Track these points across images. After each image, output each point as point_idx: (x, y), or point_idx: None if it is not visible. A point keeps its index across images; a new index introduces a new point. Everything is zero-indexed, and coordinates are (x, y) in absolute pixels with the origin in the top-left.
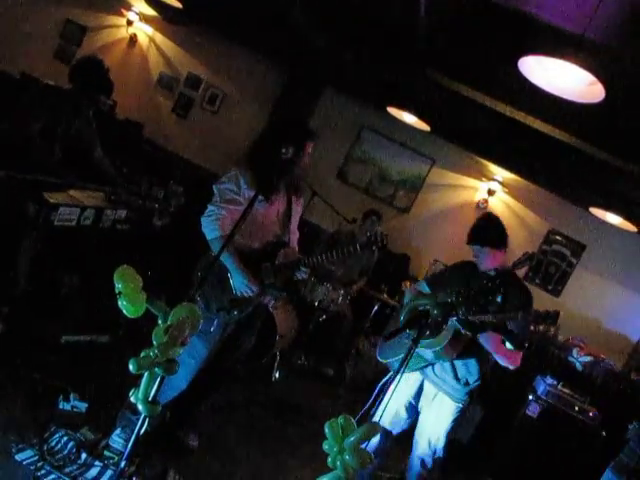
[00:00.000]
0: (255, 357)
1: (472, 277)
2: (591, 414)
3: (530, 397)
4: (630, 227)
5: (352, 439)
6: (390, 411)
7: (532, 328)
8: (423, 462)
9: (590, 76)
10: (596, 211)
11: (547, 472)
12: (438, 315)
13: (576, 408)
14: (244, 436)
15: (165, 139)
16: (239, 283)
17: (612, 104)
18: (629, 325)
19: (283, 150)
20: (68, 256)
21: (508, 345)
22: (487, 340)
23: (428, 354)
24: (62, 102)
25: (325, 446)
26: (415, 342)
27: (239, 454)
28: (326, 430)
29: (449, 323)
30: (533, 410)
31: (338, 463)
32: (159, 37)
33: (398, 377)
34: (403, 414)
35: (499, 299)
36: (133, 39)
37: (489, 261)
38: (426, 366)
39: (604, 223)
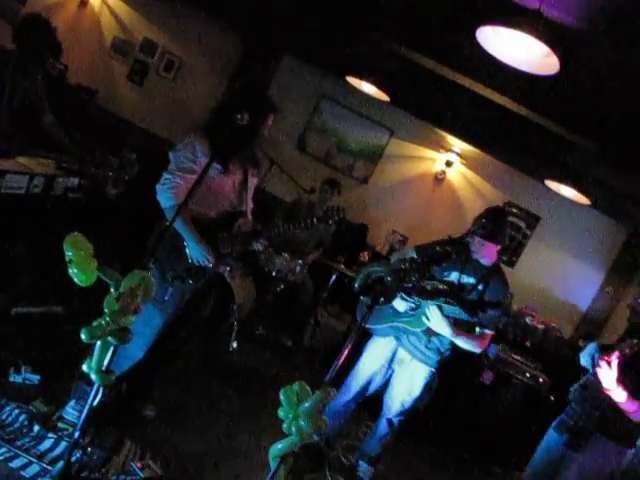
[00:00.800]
0: (212, 327)
1: (466, 261)
2: (541, 380)
3: (484, 364)
4: (583, 200)
5: (307, 405)
6: (363, 375)
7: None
8: (391, 422)
9: (545, 48)
10: (551, 184)
11: (498, 437)
12: (391, 282)
13: (527, 374)
14: (201, 405)
15: (119, 106)
16: (195, 252)
17: (566, 77)
18: (579, 295)
19: (238, 116)
20: (17, 225)
21: (478, 330)
22: (465, 342)
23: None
24: (7, 64)
25: (280, 412)
26: (370, 308)
27: (196, 423)
28: (281, 396)
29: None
30: (487, 377)
31: (293, 429)
32: None
33: (373, 341)
34: (376, 378)
35: (480, 287)
36: (84, 0)
37: (485, 253)
38: (401, 334)
39: (558, 196)
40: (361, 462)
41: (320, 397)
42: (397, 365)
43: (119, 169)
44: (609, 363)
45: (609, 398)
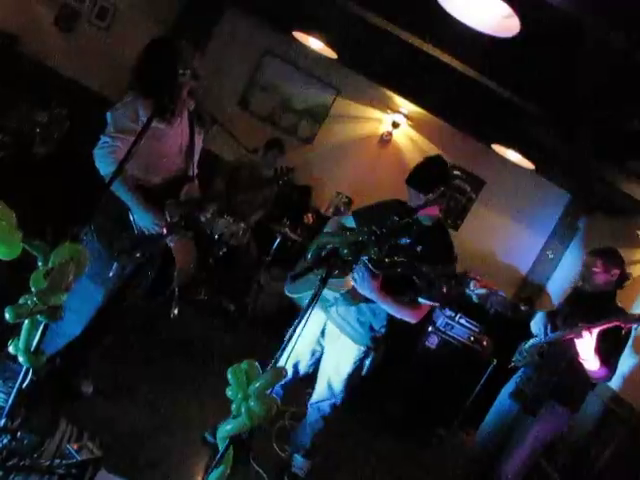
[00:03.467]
0: (153, 293)
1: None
2: (485, 343)
3: (430, 329)
4: (528, 165)
5: (257, 385)
6: (296, 350)
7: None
8: (320, 409)
9: (506, 8)
10: (498, 148)
11: (443, 400)
12: (348, 254)
13: (471, 338)
14: (142, 377)
15: (45, 55)
16: (144, 221)
17: (524, 41)
18: (520, 259)
19: (181, 71)
20: None
21: (422, 299)
22: (395, 309)
23: (330, 295)
24: None
25: (229, 392)
26: (323, 282)
27: (137, 396)
28: (229, 376)
29: (360, 267)
30: (432, 341)
31: (243, 410)
32: None
33: (305, 317)
34: (305, 357)
35: (418, 249)
36: None
37: (426, 212)
38: (330, 305)
39: (504, 160)
40: (296, 455)
41: (271, 377)
42: (326, 341)
43: (48, 125)
44: (590, 334)
45: (568, 366)
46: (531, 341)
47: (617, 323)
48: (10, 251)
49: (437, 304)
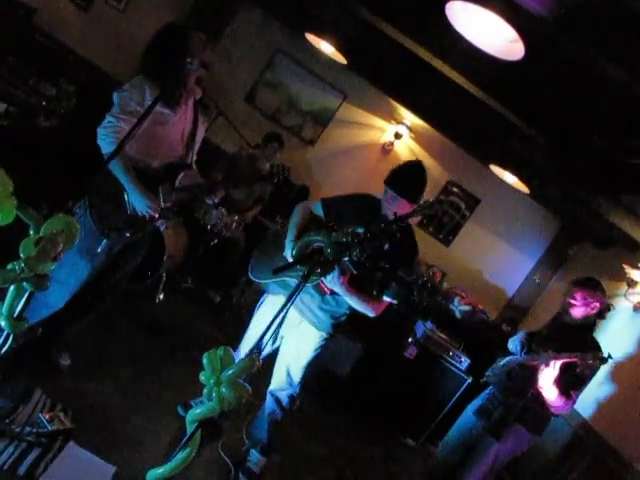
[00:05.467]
0: (140, 276)
1: (372, 217)
2: (462, 359)
3: (409, 339)
4: (523, 188)
5: (230, 372)
6: (252, 340)
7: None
8: (278, 399)
9: (513, 33)
10: (495, 168)
11: (415, 411)
12: (331, 254)
13: (450, 353)
14: (121, 357)
15: (60, 30)
16: (138, 202)
17: (529, 66)
18: (507, 280)
19: (188, 60)
20: None
21: (386, 297)
22: (358, 303)
23: (293, 282)
24: None
25: (202, 377)
26: (305, 279)
27: (114, 375)
28: (204, 361)
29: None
30: (410, 352)
31: (214, 395)
32: None
33: (264, 301)
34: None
35: (386, 246)
36: None
37: (398, 210)
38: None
39: (500, 181)
40: (252, 451)
41: (245, 365)
42: (286, 327)
43: (55, 100)
44: (554, 363)
45: (535, 390)
46: (507, 359)
47: (575, 360)
48: (3, 217)
49: (395, 302)
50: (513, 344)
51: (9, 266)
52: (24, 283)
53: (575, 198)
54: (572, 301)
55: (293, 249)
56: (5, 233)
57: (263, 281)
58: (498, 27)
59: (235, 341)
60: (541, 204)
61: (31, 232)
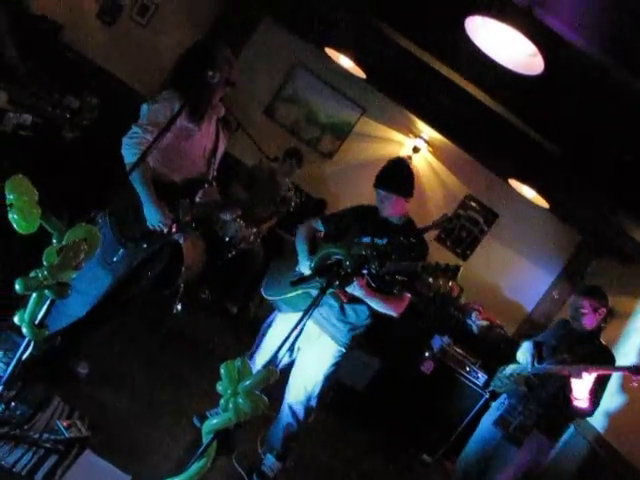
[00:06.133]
0: (158, 287)
1: (376, 224)
2: (480, 375)
3: (426, 354)
4: (543, 203)
5: (247, 383)
6: (267, 353)
7: (431, 281)
8: (294, 412)
9: (532, 47)
10: (514, 183)
11: (432, 426)
12: (350, 267)
13: (467, 368)
14: (138, 367)
15: (85, 46)
16: (151, 216)
17: (548, 80)
18: (526, 295)
19: (210, 73)
20: None
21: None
22: (380, 304)
23: (313, 295)
24: None
25: (219, 387)
26: (323, 291)
27: (131, 385)
28: (222, 371)
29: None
30: (427, 367)
31: (230, 405)
32: None
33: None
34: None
35: (389, 247)
36: None
37: (393, 208)
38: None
39: (519, 196)
40: (268, 455)
41: (262, 377)
42: (303, 341)
43: (78, 112)
44: (589, 375)
45: (553, 397)
46: (511, 368)
47: (609, 372)
48: (28, 225)
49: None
50: (523, 356)
51: (32, 273)
52: (46, 291)
53: (596, 213)
54: (583, 310)
55: (311, 262)
56: (27, 241)
57: (274, 298)
58: (518, 41)
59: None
60: (560, 219)
61: (54, 241)
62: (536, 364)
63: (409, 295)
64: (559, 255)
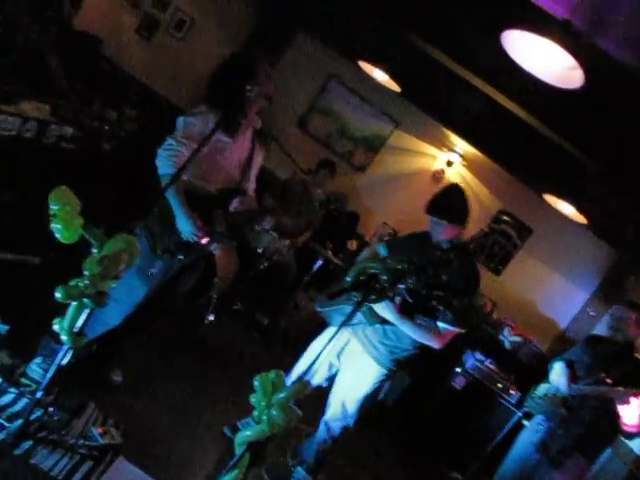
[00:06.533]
0: (191, 297)
1: (425, 247)
2: (512, 392)
3: (458, 370)
4: (580, 219)
5: (282, 395)
6: (305, 363)
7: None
8: (329, 428)
9: (571, 60)
10: (549, 198)
11: (462, 443)
12: (387, 281)
13: (499, 385)
14: (170, 376)
15: (124, 59)
16: (184, 228)
17: (588, 94)
18: (560, 312)
19: (248, 87)
20: (6, 169)
21: (441, 324)
22: (416, 332)
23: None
24: (20, 4)
25: (253, 399)
26: (359, 304)
27: (163, 394)
28: (256, 383)
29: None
30: (458, 382)
31: (264, 417)
32: None
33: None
34: (319, 370)
35: (444, 277)
36: None
37: (445, 234)
38: (356, 324)
39: (555, 211)
40: (298, 468)
41: (296, 389)
42: (346, 358)
43: (117, 124)
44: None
45: (593, 418)
46: (544, 387)
47: None
48: (70, 235)
49: (459, 329)
50: (558, 377)
51: (72, 282)
52: (85, 299)
53: (636, 229)
54: (628, 321)
55: (348, 275)
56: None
57: (324, 310)
58: (556, 55)
59: (282, 364)
60: (597, 234)
61: (94, 251)
62: (573, 385)
63: (454, 330)
64: (595, 271)
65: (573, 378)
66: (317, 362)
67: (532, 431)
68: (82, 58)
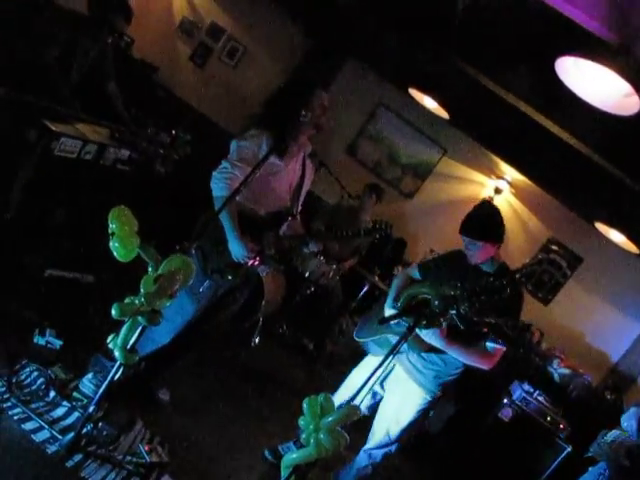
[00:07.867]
0: (238, 319)
1: (466, 270)
2: (562, 426)
3: (505, 401)
4: (632, 248)
5: (330, 419)
6: (349, 389)
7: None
8: (370, 455)
9: (627, 87)
10: (600, 226)
11: (509, 477)
12: (438, 307)
13: (548, 418)
14: (215, 397)
15: (178, 86)
16: (235, 249)
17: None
18: (612, 345)
19: (303, 113)
20: (64, 189)
21: (489, 344)
22: (464, 355)
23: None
24: (81, 29)
25: (301, 422)
26: (410, 330)
27: (207, 415)
28: (304, 406)
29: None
30: (506, 414)
31: (312, 441)
32: None
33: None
34: (367, 396)
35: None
36: None
37: (481, 255)
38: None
39: (606, 240)
40: None
41: (345, 413)
42: (390, 385)
43: (170, 148)
44: None
45: None
46: (613, 434)
47: None
48: (127, 254)
49: (504, 347)
50: (628, 423)
51: (127, 300)
52: (139, 317)
53: None
54: None
55: (399, 300)
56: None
57: (364, 339)
58: (611, 82)
59: (326, 389)
60: None
61: (149, 269)
62: None
63: (502, 348)
64: None
65: None
66: (362, 391)
67: (590, 475)
68: (139, 84)
